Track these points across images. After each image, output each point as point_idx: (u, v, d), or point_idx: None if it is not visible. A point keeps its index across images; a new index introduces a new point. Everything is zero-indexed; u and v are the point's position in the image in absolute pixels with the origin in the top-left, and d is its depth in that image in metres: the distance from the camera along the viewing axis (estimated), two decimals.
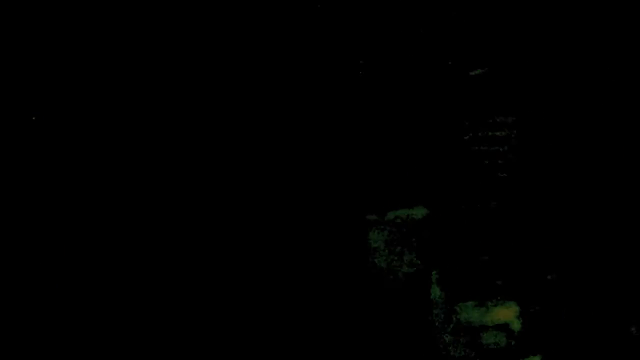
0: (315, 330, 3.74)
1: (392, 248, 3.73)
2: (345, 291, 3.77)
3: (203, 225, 3.84)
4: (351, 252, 3.79)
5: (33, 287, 3.81)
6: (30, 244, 3.85)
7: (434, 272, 3.67)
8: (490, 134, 3.92)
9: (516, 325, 3.73)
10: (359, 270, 3.74)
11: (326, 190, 3.87)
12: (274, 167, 3.87)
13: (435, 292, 3.66)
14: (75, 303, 3.82)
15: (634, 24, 3.90)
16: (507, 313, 3.73)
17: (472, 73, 3.97)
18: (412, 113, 3.96)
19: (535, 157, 3.94)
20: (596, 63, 3.94)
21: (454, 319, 3.70)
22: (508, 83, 3.98)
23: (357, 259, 3.77)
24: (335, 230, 3.82)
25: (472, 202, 3.89)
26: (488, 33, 4.01)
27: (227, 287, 3.80)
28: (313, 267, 3.80)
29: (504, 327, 3.75)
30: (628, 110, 3.92)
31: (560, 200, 3.91)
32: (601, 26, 3.94)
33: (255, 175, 3.87)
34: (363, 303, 3.74)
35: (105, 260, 3.82)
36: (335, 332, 3.73)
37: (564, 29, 3.97)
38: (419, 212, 3.82)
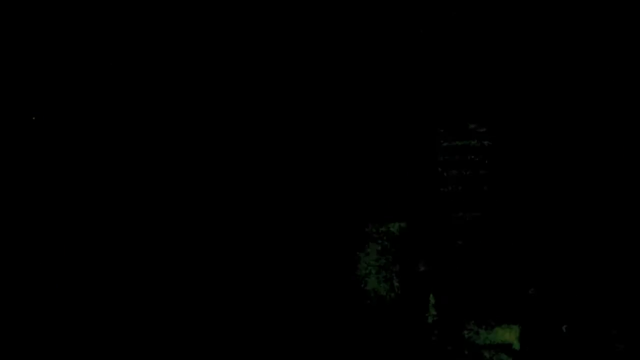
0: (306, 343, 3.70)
1: (381, 273, 3.67)
2: (338, 307, 3.72)
3: (196, 232, 3.82)
4: (342, 266, 3.74)
5: (33, 286, 3.82)
6: (30, 243, 3.86)
7: (431, 295, 3.59)
8: (464, 143, 3.91)
9: (517, 345, 3.67)
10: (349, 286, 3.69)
11: (318, 209, 3.83)
12: (267, 185, 3.83)
13: (432, 313, 3.59)
14: (75, 303, 3.82)
15: (596, 48, 3.88)
16: (509, 334, 3.67)
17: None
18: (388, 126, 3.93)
19: (510, 167, 3.90)
20: (567, 76, 3.91)
21: (458, 338, 3.63)
22: (481, 93, 3.95)
23: (347, 272, 3.72)
24: (327, 241, 3.78)
25: (451, 213, 3.85)
26: (461, 46, 3.97)
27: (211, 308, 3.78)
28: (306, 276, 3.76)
29: (506, 347, 3.68)
30: (602, 125, 3.88)
31: (537, 210, 3.86)
32: (569, 46, 3.91)
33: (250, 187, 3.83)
34: (358, 324, 3.69)
35: (105, 260, 3.81)
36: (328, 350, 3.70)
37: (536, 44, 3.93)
38: (397, 227, 3.77)
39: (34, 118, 3.94)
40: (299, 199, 3.83)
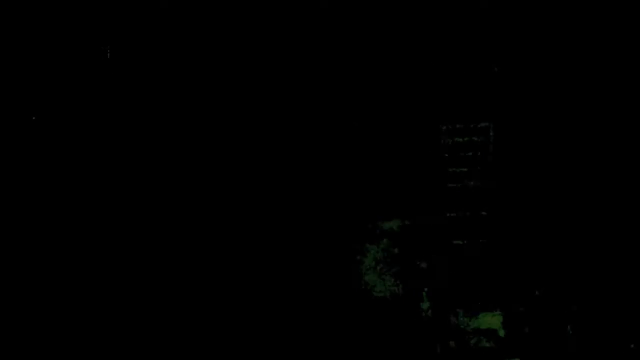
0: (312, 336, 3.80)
1: (383, 270, 3.81)
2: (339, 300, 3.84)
3: (203, 232, 3.85)
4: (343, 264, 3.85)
5: (33, 286, 3.81)
6: (31, 244, 3.84)
7: (425, 288, 3.80)
8: (468, 139, 3.94)
9: (501, 332, 3.90)
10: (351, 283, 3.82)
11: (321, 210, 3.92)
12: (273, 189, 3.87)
13: (426, 304, 3.80)
14: (75, 303, 3.81)
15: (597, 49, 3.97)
16: (493, 321, 3.90)
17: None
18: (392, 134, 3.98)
19: (513, 163, 3.98)
20: (567, 74, 4.00)
21: (446, 325, 3.84)
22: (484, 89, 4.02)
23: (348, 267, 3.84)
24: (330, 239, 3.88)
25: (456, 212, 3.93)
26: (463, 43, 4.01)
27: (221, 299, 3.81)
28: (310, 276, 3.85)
29: (491, 333, 3.91)
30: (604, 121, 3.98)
31: (541, 207, 3.95)
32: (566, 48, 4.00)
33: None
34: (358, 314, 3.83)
35: (105, 260, 3.82)
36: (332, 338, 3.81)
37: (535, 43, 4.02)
38: (396, 224, 3.87)
39: (34, 118, 3.95)
40: (302, 199, 3.92)
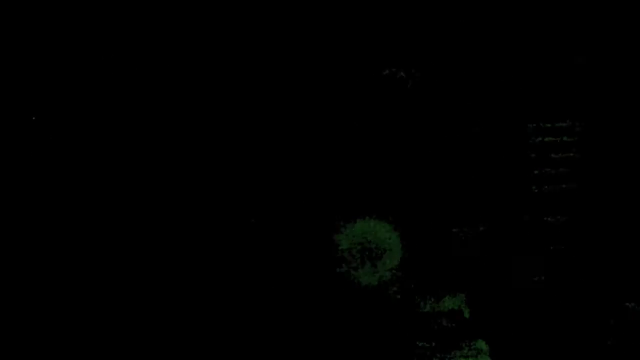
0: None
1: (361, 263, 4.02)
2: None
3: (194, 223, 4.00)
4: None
5: (33, 286, 3.87)
6: (31, 244, 3.89)
7: (395, 273, 4.03)
8: (552, 140, 3.65)
9: (466, 313, 4.13)
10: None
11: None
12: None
13: (393, 288, 4.06)
14: (75, 303, 3.86)
15: None
16: (456, 302, 4.14)
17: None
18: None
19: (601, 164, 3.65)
20: None
21: (413, 309, 4.09)
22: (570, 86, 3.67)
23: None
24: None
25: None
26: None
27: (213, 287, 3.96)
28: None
29: (455, 314, 4.16)
30: None
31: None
32: None
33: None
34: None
35: (105, 260, 3.90)
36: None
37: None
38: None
39: (34, 118, 4.13)
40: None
